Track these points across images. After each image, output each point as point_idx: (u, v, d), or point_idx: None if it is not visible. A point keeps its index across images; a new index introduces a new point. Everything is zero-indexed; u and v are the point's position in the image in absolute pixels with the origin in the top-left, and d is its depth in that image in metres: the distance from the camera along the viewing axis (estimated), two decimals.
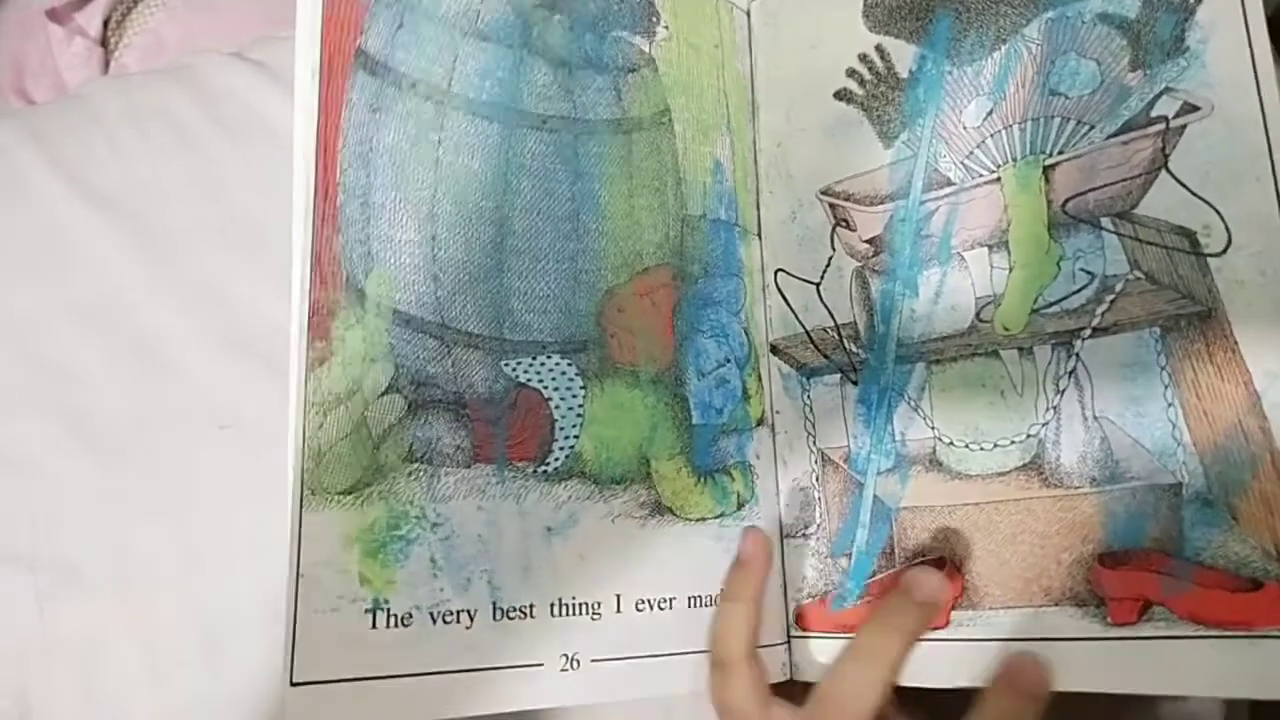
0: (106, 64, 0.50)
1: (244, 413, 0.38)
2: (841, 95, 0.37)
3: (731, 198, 0.39)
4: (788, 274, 0.38)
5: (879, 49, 0.36)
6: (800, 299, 0.38)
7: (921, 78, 0.35)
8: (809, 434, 0.37)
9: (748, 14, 0.43)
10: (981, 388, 0.33)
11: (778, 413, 0.38)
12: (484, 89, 0.34)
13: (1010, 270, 0.32)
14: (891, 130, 0.36)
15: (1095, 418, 0.30)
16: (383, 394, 0.31)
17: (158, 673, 0.36)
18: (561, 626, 0.32)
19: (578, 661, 0.33)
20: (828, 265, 0.37)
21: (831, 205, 0.37)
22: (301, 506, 0.29)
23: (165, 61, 0.48)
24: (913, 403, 0.34)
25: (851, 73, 0.37)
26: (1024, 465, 0.32)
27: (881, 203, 0.35)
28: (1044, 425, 0.31)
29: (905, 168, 0.35)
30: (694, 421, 0.36)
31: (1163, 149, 0.29)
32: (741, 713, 0.33)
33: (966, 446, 0.33)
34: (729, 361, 0.38)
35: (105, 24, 0.48)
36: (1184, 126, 0.29)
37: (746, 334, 0.38)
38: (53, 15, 0.48)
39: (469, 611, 0.31)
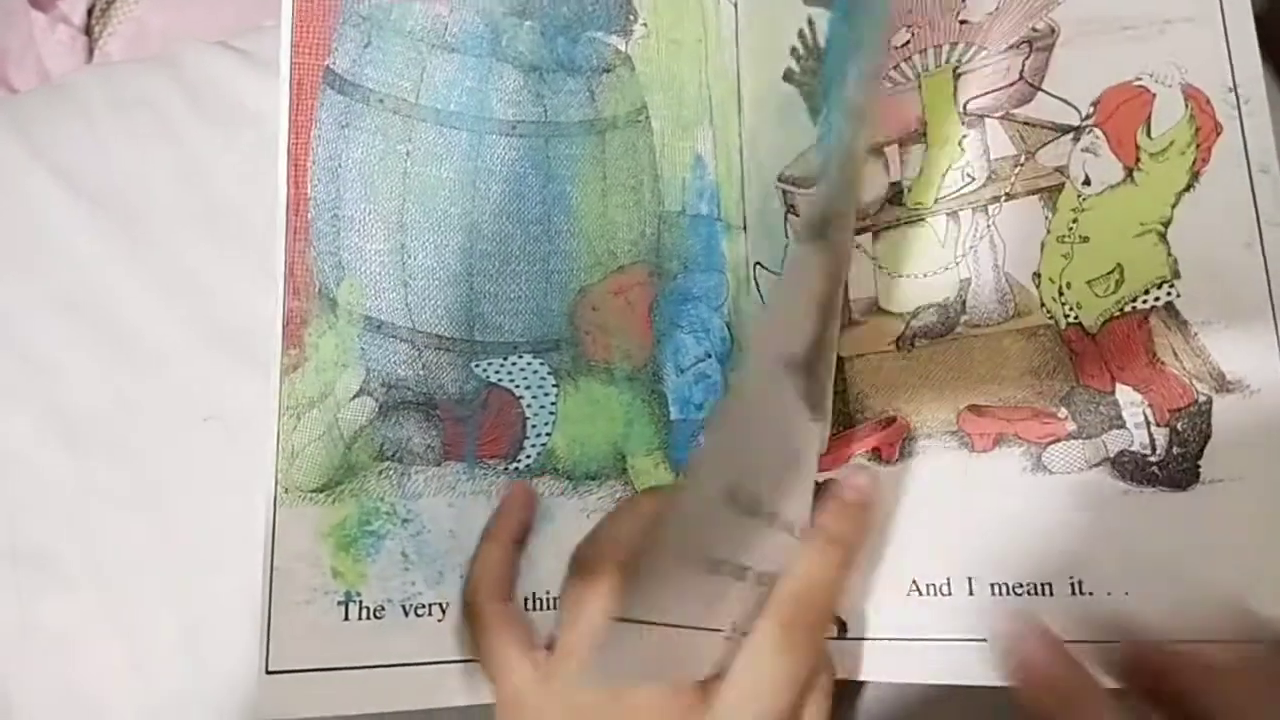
0: (90, 52, 0.48)
1: (226, 404, 0.38)
2: (786, 76, 0.37)
3: (714, 192, 0.39)
4: (763, 267, 0.38)
5: (810, 21, 0.36)
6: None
7: (833, 42, 0.35)
8: None
9: (735, 5, 0.42)
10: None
11: None
12: (451, 98, 0.35)
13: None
14: (817, 104, 0.36)
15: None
16: (354, 397, 0.32)
17: (138, 665, 0.37)
18: (536, 621, 0.33)
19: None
20: (784, 255, 0.37)
21: (784, 192, 0.37)
22: (276, 504, 0.30)
23: (149, 50, 0.47)
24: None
25: (792, 51, 0.37)
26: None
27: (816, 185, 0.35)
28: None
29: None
30: (672, 417, 0.37)
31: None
32: (499, 661, 0.30)
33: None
34: (709, 356, 0.38)
35: (89, 12, 0.47)
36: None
37: (729, 328, 0.39)
38: (36, 2, 0.47)
39: (441, 605, 0.32)
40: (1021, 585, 0.32)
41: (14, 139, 0.41)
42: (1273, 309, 0.31)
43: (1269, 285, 0.31)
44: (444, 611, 0.32)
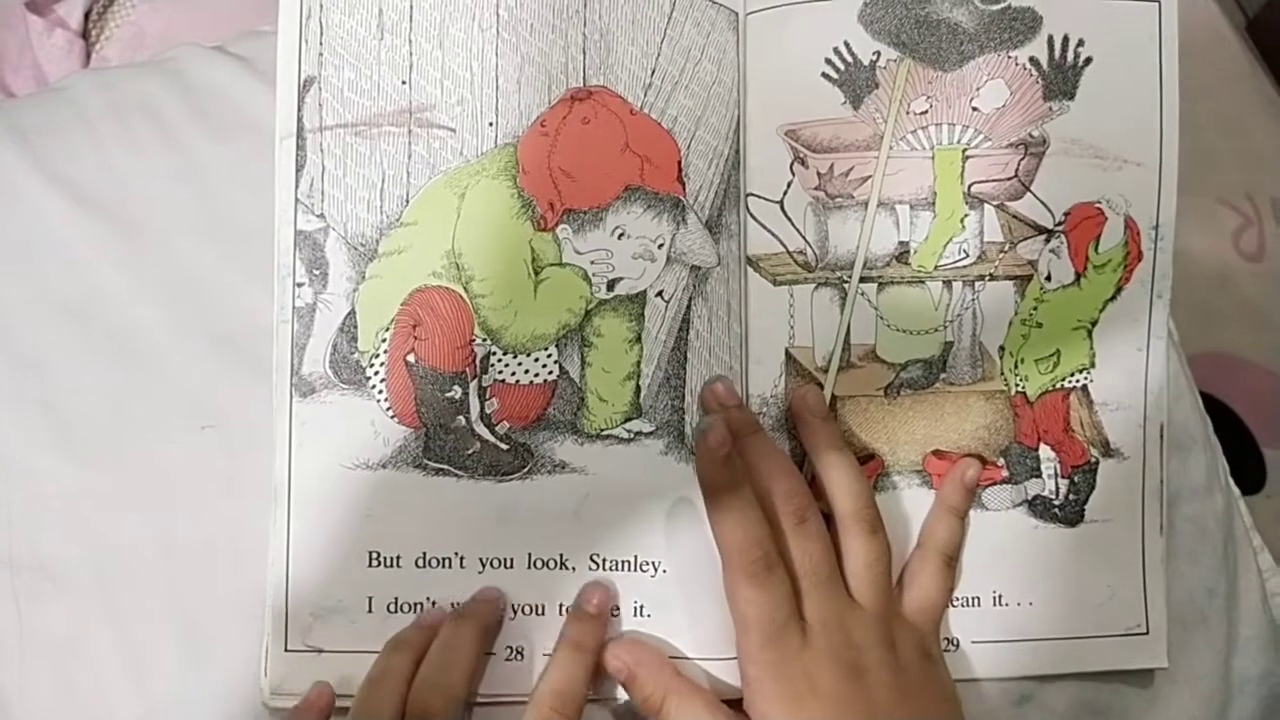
0: (87, 57, 0.47)
1: (224, 410, 0.38)
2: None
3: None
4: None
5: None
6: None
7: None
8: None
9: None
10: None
11: None
12: None
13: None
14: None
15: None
16: None
17: (137, 671, 0.37)
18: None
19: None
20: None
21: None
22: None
23: (146, 55, 0.46)
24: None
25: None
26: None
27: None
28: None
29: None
30: None
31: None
32: None
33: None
34: None
35: (86, 16, 0.46)
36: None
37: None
38: (32, 7, 0.46)
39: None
40: (958, 599, 0.40)
41: (10, 142, 0.40)
42: (1145, 398, 0.42)
43: (1145, 380, 0.42)
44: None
